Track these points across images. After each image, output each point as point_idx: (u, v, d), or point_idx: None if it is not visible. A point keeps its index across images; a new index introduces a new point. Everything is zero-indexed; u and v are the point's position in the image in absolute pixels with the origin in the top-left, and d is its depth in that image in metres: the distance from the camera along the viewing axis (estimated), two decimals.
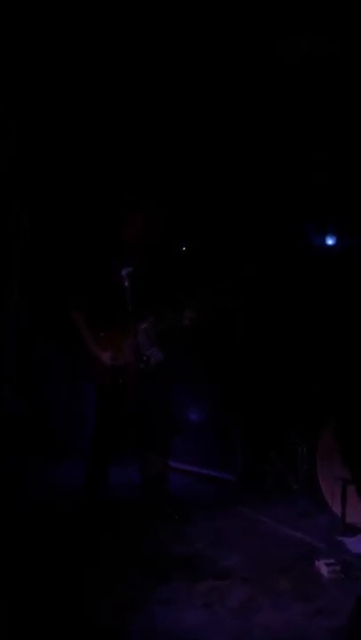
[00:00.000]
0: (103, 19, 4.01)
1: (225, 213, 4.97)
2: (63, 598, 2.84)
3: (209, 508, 4.02)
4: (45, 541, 3.38)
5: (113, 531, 3.53)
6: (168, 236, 4.89)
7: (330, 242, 4.53)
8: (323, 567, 3.08)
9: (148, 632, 2.61)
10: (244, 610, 2.78)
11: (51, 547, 3.34)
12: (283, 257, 4.75)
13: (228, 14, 3.97)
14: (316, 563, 3.14)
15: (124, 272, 3.41)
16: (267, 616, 2.73)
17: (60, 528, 3.57)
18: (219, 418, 4.60)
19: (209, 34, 4.13)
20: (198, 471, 4.67)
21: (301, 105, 4.51)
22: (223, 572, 3.14)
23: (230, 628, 2.64)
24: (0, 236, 4.57)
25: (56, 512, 3.82)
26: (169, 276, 3.92)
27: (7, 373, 4.82)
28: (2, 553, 3.18)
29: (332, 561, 3.10)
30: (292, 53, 4.21)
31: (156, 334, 3.61)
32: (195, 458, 4.67)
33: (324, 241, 4.56)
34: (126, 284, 3.40)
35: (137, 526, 3.54)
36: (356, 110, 4.35)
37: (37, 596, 2.82)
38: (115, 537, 3.46)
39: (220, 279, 4.60)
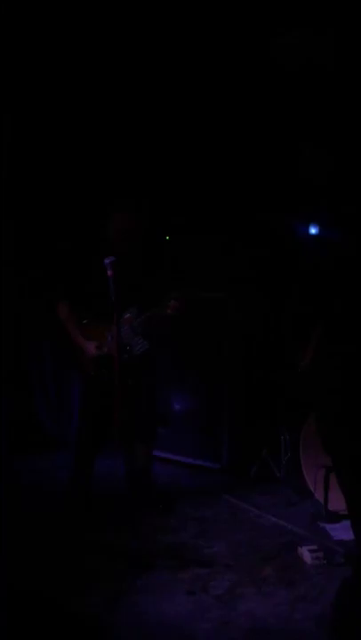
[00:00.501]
0: (98, 23, 3.99)
1: (210, 202, 4.97)
2: (48, 588, 2.85)
3: (194, 497, 4.04)
4: (31, 532, 3.38)
5: (98, 521, 3.54)
6: (152, 226, 4.89)
7: (313, 231, 4.54)
8: (306, 554, 3.11)
9: (132, 621, 2.63)
10: (229, 597, 2.81)
11: (36, 537, 3.34)
12: (269, 246, 4.77)
13: (227, 20, 3.96)
14: (299, 549, 3.17)
15: (107, 261, 3.39)
16: (251, 603, 2.76)
17: (46, 519, 3.58)
18: (205, 408, 4.61)
19: (207, 38, 4.12)
20: (183, 460, 4.68)
21: (300, 109, 4.51)
22: (207, 560, 3.16)
23: (215, 616, 2.66)
24: None
25: (42, 504, 3.83)
26: (152, 265, 3.91)
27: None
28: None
29: (314, 547, 3.12)
30: (291, 59, 4.21)
31: (139, 323, 3.61)
32: (180, 447, 4.68)
33: (308, 230, 4.58)
34: (109, 272, 3.38)
35: (122, 516, 3.55)
36: (355, 114, 4.36)
37: (21, 588, 2.81)
38: (100, 527, 3.47)
39: (204, 268, 4.62)
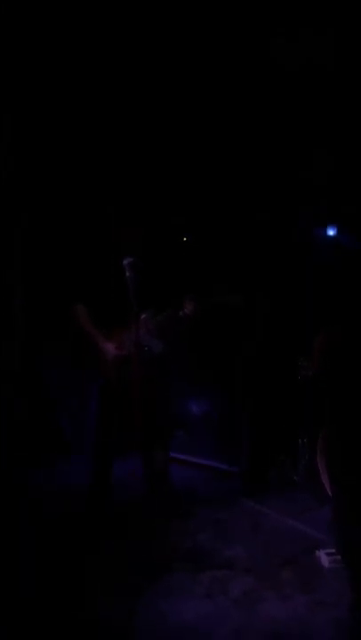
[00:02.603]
0: (98, 32, 4.01)
1: (227, 206, 4.97)
2: (68, 591, 2.86)
3: (212, 501, 4.04)
4: (50, 535, 3.40)
5: (117, 524, 3.55)
6: (170, 227, 4.90)
7: (331, 232, 4.51)
8: (324, 558, 3.10)
9: (151, 623, 2.63)
10: (247, 600, 2.80)
11: (56, 541, 3.35)
12: (287, 251, 4.76)
13: (227, 22, 3.96)
14: (318, 553, 3.16)
15: (125, 262, 3.40)
16: (269, 607, 2.75)
17: (65, 522, 3.59)
18: (224, 411, 4.61)
19: (206, 39, 4.12)
20: (202, 463, 4.68)
21: (301, 110, 4.50)
22: (226, 563, 3.16)
23: (233, 619, 2.66)
24: (1, 239, 4.59)
25: (61, 507, 3.85)
26: (170, 266, 3.92)
27: (11, 374, 4.83)
28: (7, 549, 3.20)
29: (333, 551, 3.10)
30: (291, 60, 4.20)
31: (156, 325, 3.61)
32: (198, 450, 4.69)
33: (326, 232, 4.55)
34: (127, 274, 3.40)
35: (140, 519, 3.56)
36: (355, 115, 4.34)
37: (42, 590, 2.83)
38: (119, 530, 3.48)
39: (221, 271, 4.62)
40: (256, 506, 3.96)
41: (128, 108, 4.60)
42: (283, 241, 4.78)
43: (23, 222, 4.50)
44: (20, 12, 3.66)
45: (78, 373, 5.20)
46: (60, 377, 5.33)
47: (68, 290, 4.02)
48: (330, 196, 4.63)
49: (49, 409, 5.26)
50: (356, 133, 4.40)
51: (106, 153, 4.83)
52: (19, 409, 4.36)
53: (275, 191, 4.80)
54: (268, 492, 4.17)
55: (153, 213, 4.10)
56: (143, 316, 3.60)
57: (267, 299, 4.62)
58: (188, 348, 4.67)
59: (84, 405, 5.11)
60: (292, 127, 4.58)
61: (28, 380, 5.00)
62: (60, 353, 5.22)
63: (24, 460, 4.38)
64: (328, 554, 3.08)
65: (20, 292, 4.90)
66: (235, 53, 4.16)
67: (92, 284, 3.70)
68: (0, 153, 4.01)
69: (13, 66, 3.96)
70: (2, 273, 4.58)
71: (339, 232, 4.54)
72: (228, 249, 4.88)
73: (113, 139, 4.76)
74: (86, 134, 4.74)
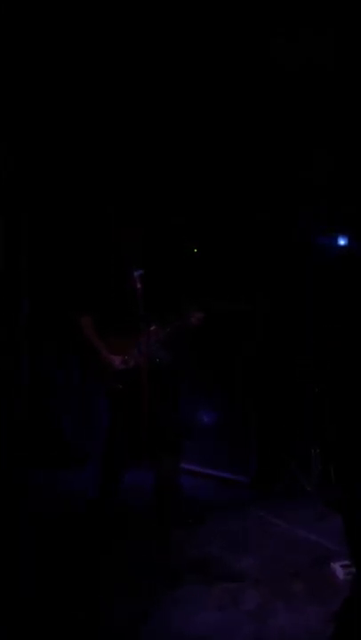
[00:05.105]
0: (98, 32, 4.02)
1: (227, 206, 4.96)
2: (78, 601, 2.84)
3: (222, 511, 4.01)
4: (60, 546, 3.39)
5: (127, 534, 3.53)
6: (180, 238, 4.90)
7: (342, 242, 4.50)
8: (338, 569, 3.05)
9: (162, 635, 2.60)
10: (259, 612, 2.76)
11: (62, 551, 3.34)
12: (295, 259, 4.74)
13: (226, 22, 3.96)
14: (332, 565, 3.12)
15: (135, 273, 3.41)
16: (282, 619, 2.71)
17: (75, 532, 3.57)
18: (232, 420, 4.59)
19: (206, 40, 4.12)
20: (212, 473, 4.65)
21: (302, 110, 4.50)
22: (237, 574, 3.12)
23: (245, 631, 2.62)
24: (7, 247, 4.62)
25: (68, 517, 3.83)
26: (180, 277, 3.91)
27: (16, 384, 4.88)
28: (16, 558, 3.19)
29: (347, 563, 3.07)
30: (291, 60, 4.20)
31: (164, 335, 3.60)
32: (208, 460, 4.66)
33: (336, 241, 4.54)
34: (138, 285, 3.40)
35: (150, 529, 3.54)
36: (355, 115, 4.34)
37: (52, 600, 2.82)
38: (129, 540, 3.46)
39: (230, 281, 4.61)
40: (266, 515, 3.93)
41: (128, 109, 4.61)
42: (283, 241, 4.77)
43: (24, 223, 4.53)
44: (20, 11, 3.69)
45: (81, 373, 5.21)
46: (61, 377, 5.34)
47: (70, 289, 4.01)
48: (330, 195, 4.62)
49: (50, 409, 5.27)
50: (356, 133, 4.39)
51: (106, 154, 4.84)
52: (19, 409, 4.40)
53: (275, 191, 4.79)
54: (279, 502, 4.13)
55: (153, 214, 4.09)
56: (152, 327, 3.59)
57: (267, 299, 4.60)
58: (193, 356, 4.66)
59: (85, 405, 5.14)
60: (293, 127, 4.57)
61: (30, 380, 5.04)
62: (62, 353, 5.24)
63: (24, 461, 4.42)
64: (343, 566, 3.04)
65: (26, 302, 4.94)
66: (235, 54, 4.15)
67: (96, 292, 3.69)
68: (0, 154, 4.02)
69: (14, 68, 3.99)
70: (7, 273, 4.62)
71: (350, 241, 4.53)
72: (228, 250, 4.87)
73: (113, 140, 4.77)
74: (87, 136, 4.75)
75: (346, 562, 3.08)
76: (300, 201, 4.73)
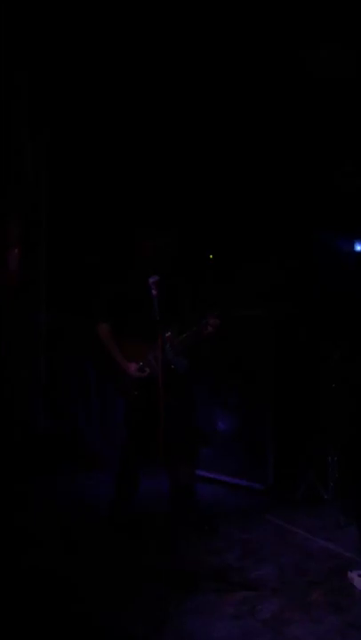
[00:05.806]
0: (127, 41, 4.08)
1: (252, 223, 4.97)
2: (94, 609, 2.83)
3: (239, 519, 3.98)
4: (73, 552, 3.39)
5: (143, 541, 3.52)
6: (195, 246, 4.91)
7: (359, 248, 4.48)
8: (356, 579, 3.01)
9: None
10: (276, 622, 2.74)
11: (78, 558, 3.34)
12: (311, 264, 4.73)
13: (257, 30, 3.99)
14: (350, 574, 3.08)
15: (151, 280, 3.41)
16: (298, 628, 2.68)
17: (91, 539, 3.57)
18: (249, 427, 4.56)
19: (235, 48, 4.15)
20: (228, 481, 4.63)
21: (329, 117, 4.49)
22: (254, 583, 3.10)
23: None
24: (27, 255, 4.67)
25: (84, 523, 3.83)
26: (195, 284, 3.91)
27: (36, 389, 4.92)
28: (32, 563, 3.19)
29: None
30: (319, 67, 4.21)
31: (181, 342, 3.60)
32: (224, 467, 4.64)
33: (353, 247, 4.52)
34: (154, 292, 3.40)
35: (166, 537, 3.52)
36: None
37: (67, 608, 2.81)
38: (143, 548, 3.44)
39: (245, 286, 4.60)
40: (284, 524, 3.89)
41: (152, 117, 4.65)
42: (298, 248, 4.76)
43: (43, 228, 4.60)
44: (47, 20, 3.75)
45: (98, 379, 5.23)
46: (79, 382, 5.35)
47: (88, 296, 4.03)
48: (351, 202, 4.60)
49: (67, 414, 5.29)
50: None
51: (124, 160, 4.88)
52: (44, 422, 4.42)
53: (290, 199, 4.79)
54: (296, 510, 4.10)
55: (169, 221, 4.11)
56: (168, 334, 3.59)
57: (281, 304, 4.58)
58: (215, 363, 4.65)
59: (103, 411, 5.15)
60: (319, 139, 4.58)
61: (47, 384, 5.08)
62: (79, 358, 5.25)
63: (26, 464, 4.45)
64: None
65: (44, 309, 4.98)
66: (268, 68, 4.19)
67: (114, 298, 3.70)
68: (24, 168, 4.09)
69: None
70: (26, 279, 4.66)
71: None
72: (242, 256, 4.87)
73: (132, 146, 4.81)
74: (107, 142, 4.80)
75: None
76: (319, 210, 4.72)
